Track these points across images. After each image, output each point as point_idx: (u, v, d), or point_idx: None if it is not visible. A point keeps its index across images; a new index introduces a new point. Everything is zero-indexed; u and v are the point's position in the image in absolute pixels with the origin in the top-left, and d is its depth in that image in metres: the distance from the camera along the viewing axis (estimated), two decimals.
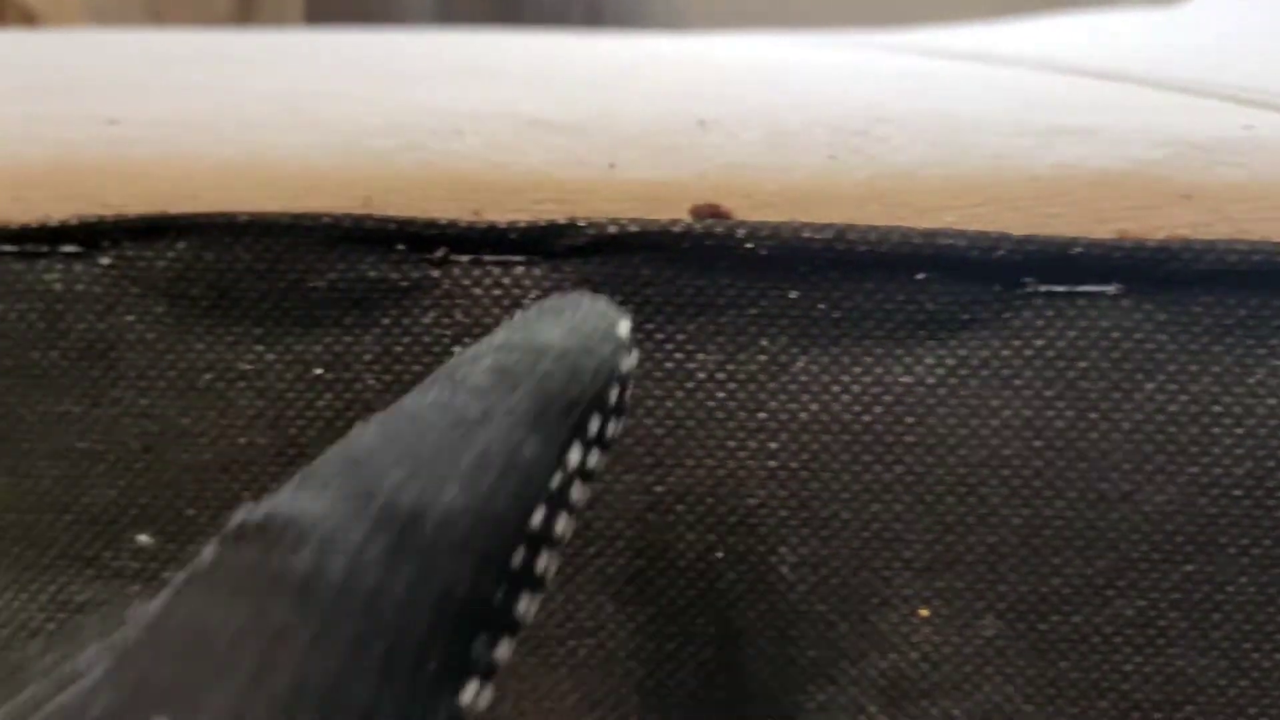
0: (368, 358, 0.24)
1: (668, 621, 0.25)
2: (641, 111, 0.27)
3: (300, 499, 0.14)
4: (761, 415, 0.23)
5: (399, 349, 0.24)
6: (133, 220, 0.23)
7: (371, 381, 0.24)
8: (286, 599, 0.12)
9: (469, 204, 0.23)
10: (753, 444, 0.24)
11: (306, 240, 0.23)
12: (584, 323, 0.18)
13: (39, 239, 0.23)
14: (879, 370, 0.23)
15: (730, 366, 0.23)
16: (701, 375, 0.23)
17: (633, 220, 0.23)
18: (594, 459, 0.17)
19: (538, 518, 0.15)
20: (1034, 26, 0.56)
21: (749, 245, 0.22)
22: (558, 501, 0.16)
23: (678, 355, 0.23)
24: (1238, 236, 0.22)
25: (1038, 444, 0.23)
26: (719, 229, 0.22)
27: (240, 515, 0.14)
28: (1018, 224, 0.22)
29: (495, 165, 0.24)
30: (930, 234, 0.22)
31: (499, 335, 0.18)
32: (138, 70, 0.33)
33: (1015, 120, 0.26)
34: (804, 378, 0.23)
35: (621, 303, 0.23)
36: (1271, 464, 0.22)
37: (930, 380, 0.23)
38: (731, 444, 0.24)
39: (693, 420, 0.24)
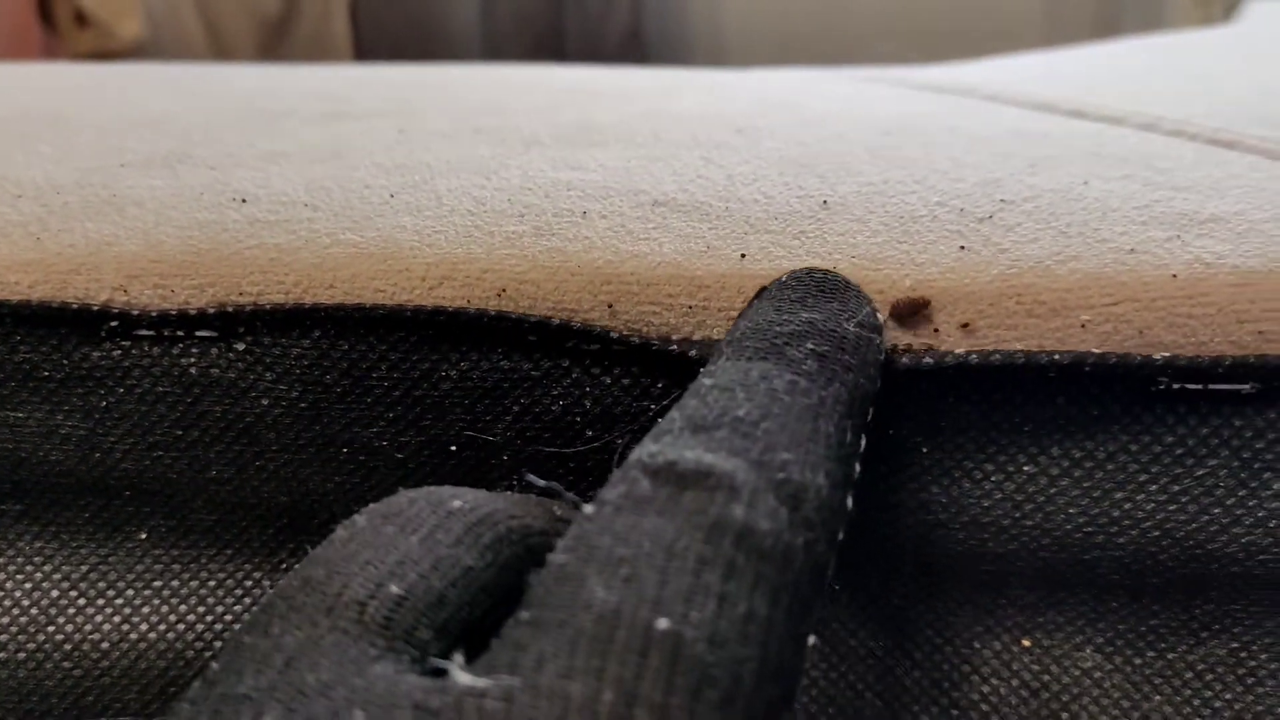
0: (498, 440, 0.24)
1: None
2: (764, 191, 0.27)
3: (711, 455, 0.16)
4: (900, 495, 0.24)
5: (530, 433, 0.24)
6: (268, 310, 0.24)
7: (506, 458, 0.24)
8: (729, 542, 0.15)
9: (602, 296, 0.23)
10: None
11: (439, 333, 0.23)
12: (858, 308, 0.22)
13: (176, 325, 0.24)
14: (1003, 459, 0.23)
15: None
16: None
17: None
18: (864, 442, 0.19)
19: (849, 501, 0.18)
20: (1105, 59, 0.55)
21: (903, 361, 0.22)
22: (854, 485, 0.18)
23: None
24: None
25: (1155, 534, 0.23)
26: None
27: (652, 456, 0.16)
28: (1155, 323, 0.22)
29: (627, 255, 0.24)
30: (1072, 358, 0.22)
31: (790, 313, 0.21)
32: (249, 129, 0.33)
33: (1142, 206, 0.25)
34: (928, 463, 0.23)
35: None
36: None
37: (1054, 471, 0.23)
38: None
39: None
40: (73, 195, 0.27)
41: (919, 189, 0.27)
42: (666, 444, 0.17)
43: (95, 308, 0.24)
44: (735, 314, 0.23)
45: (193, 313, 0.24)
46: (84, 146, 0.31)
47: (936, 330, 0.23)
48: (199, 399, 0.24)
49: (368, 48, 1.81)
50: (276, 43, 1.73)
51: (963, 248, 0.24)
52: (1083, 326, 0.22)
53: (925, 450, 0.23)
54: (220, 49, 1.64)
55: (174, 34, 1.58)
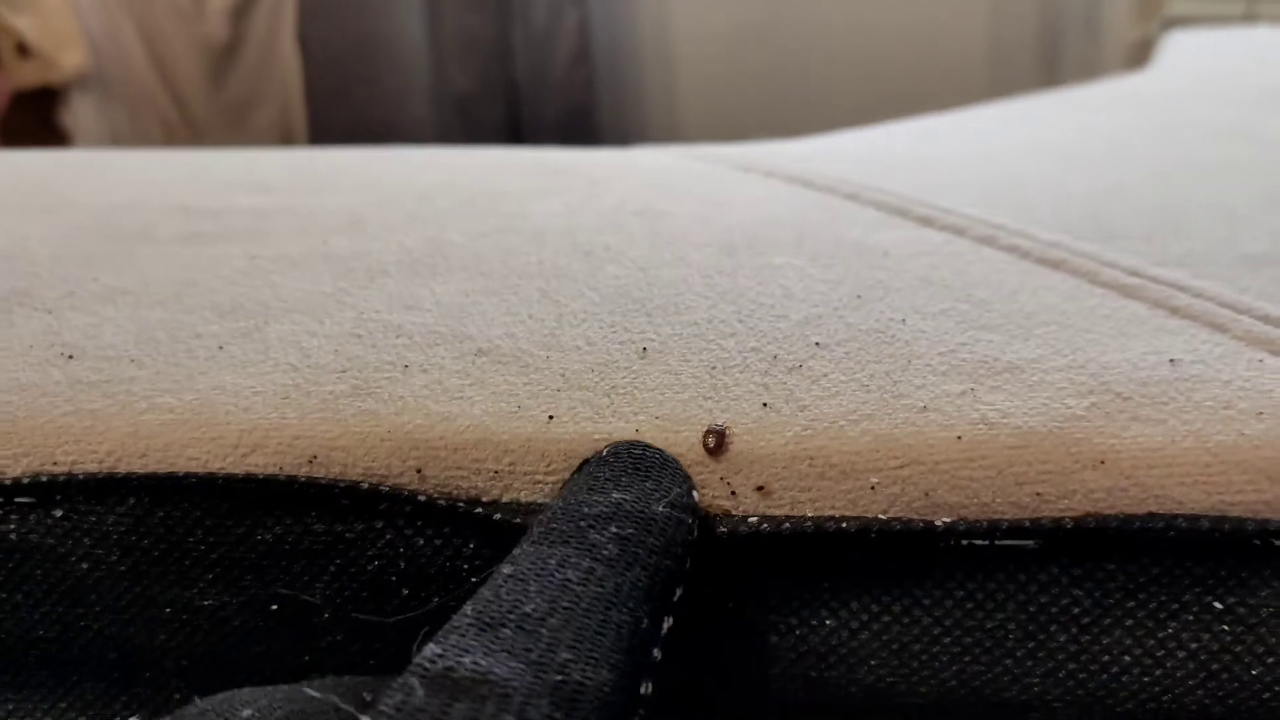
0: (319, 600, 0.24)
1: None
2: (587, 336, 0.27)
3: (489, 659, 0.17)
4: (714, 651, 0.24)
5: (349, 592, 0.24)
6: (83, 480, 0.24)
7: (327, 617, 0.25)
8: None
9: (411, 461, 0.24)
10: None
11: (253, 500, 0.24)
12: (671, 487, 0.22)
13: None
14: (805, 613, 0.24)
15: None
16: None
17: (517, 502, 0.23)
18: (669, 624, 0.20)
19: (646, 687, 0.18)
20: (982, 134, 0.57)
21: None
22: (655, 670, 0.19)
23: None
24: (1149, 501, 0.22)
25: (953, 683, 0.24)
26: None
27: (433, 660, 0.17)
28: (940, 485, 0.23)
29: (438, 418, 0.24)
30: (859, 525, 0.22)
31: (601, 493, 0.22)
32: (97, 259, 0.33)
33: (947, 351, 0.26)
34: (736, 620, 0.24)
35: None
36: (1175, 709, 0.23)
37: (854, 625, 0.24)
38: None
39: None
40: None
41: (739, 330, 0.28)
42: (449, 646, 0.18)
43: None
44: (540, 478, 0.24)
45: (8, 482, 0.24)
46: None
47: (734, 493, 0.23)
48: (20, 563, 0.24)
49: (315, 71, 1.81)
50: (223, 70, 1.72)
51: (765, 405, 0.25)
52: (872, 489, 0.23)
53: (731, 606, 0.24)
54: (165, 78, 1.63)
55: (117, 63, 1.57)
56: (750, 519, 0.23)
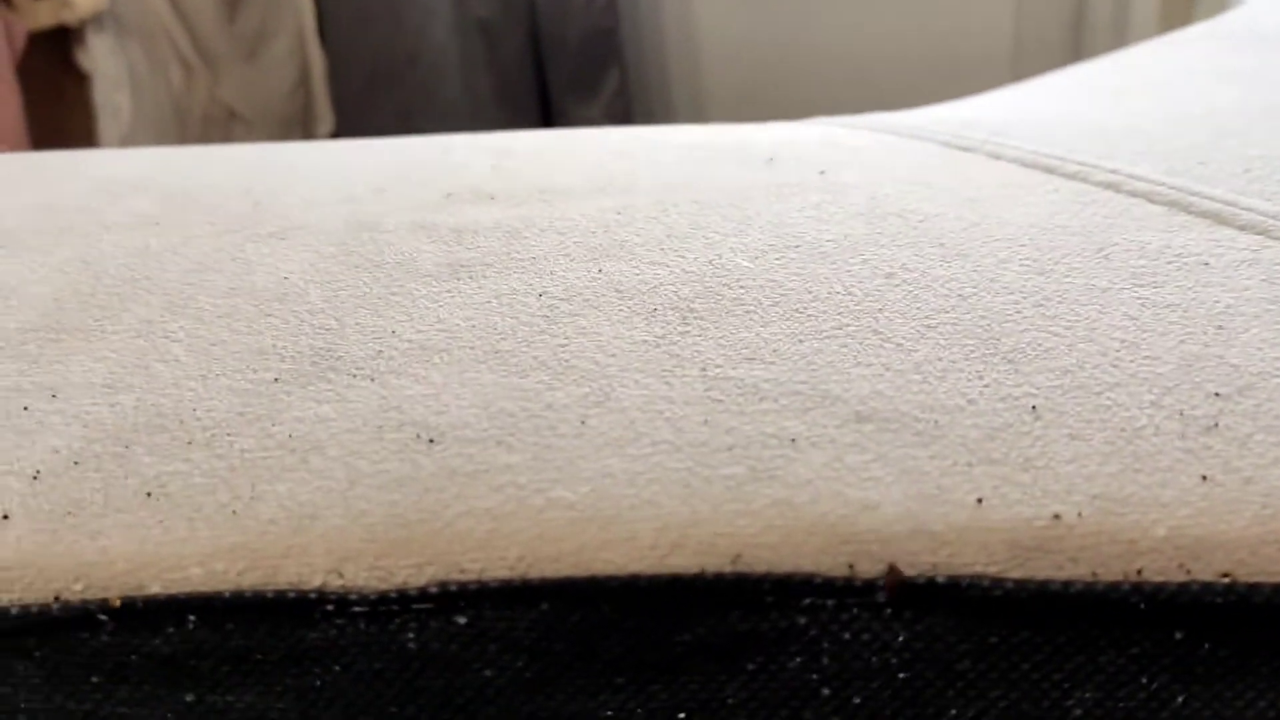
0: (732, 701, 0.23)
1: None
2: (959, 390, 0.26)
3: None
4: None
5: (766, 693, 0.23)
6: (495, 588, 0.23)
7: None
8: None
9: (842, 557, 0.23)
10: None
11: (676, 600, 0.23)
12: None
13: (394, 602, 0.23)
14: (1263, 704, 0.23)
15: (1109, 702, 0.23)
16: (1078, 711, 0.23)
17: (1019, 584, 0.22)
18: None
19: None
20: (1169, 103, 0.54)
21: (1138, 604, 0.22)
22: None
23: (1053, 694, 0.23)
24: None
25: None
26: (1109, 593, 0.22)
27: None
28: None
29: (859, 507, 0.23)
30: None
31: None
32: (374, 300, 0.32)
33: None
34: (1185, 712, 0.23)
35: (994, 643, 0.23)
36: None
37: None
38: None
39: None
40: (244, 438, 0.26)
41: (1122, 379, 0.26)
42: None
43: (312, 595, 0.23)
44: (981, 569, 0.23)
45: (413, 593, 0.23)
46: (220, 346, 0.29)
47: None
48: (418, 673, 0.23)
49: (334, 2, 1.78)
50: (236, 9, 1.69)
51: (1205, 478, 0.23)
52: None
53: (1180, 700, 0.23)
54: (179, 12, 1.60)
55: (134, 3, 1.53)
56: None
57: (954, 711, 0.23)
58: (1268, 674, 0.22)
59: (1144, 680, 0.23)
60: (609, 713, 0.23)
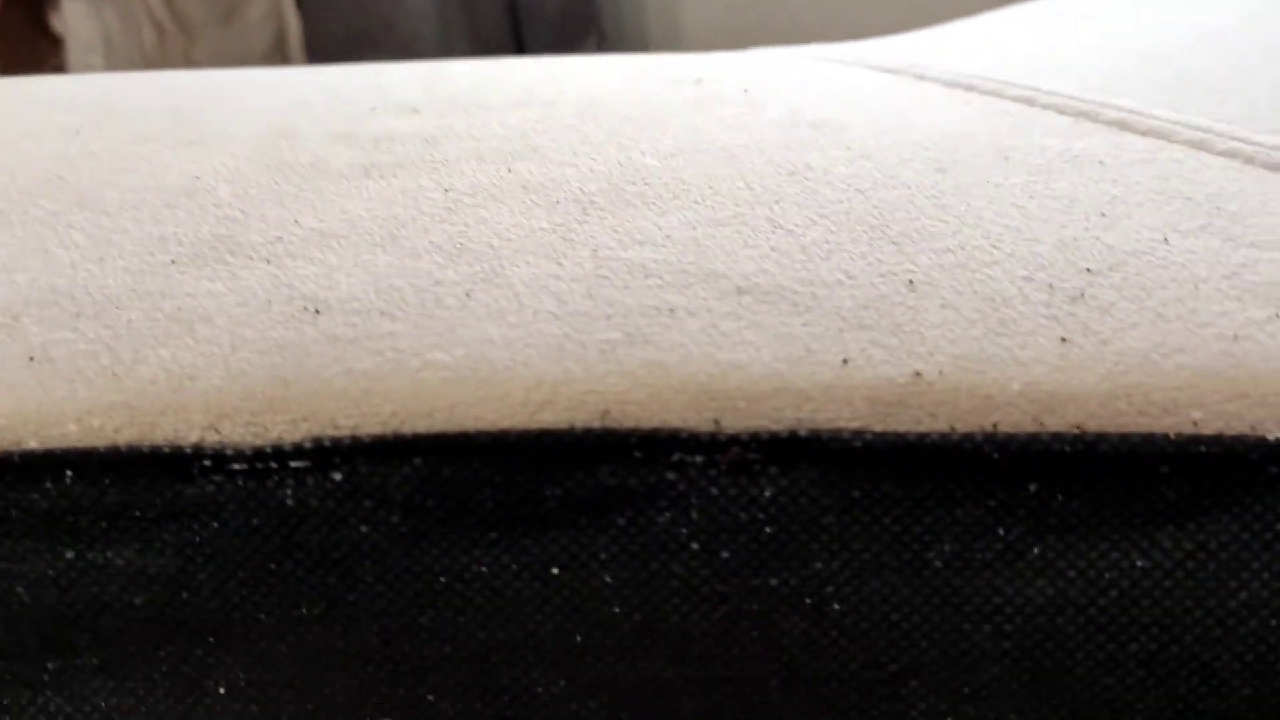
0: (604, 556, 0.24)
1: None
2: (841, 268, 0.26)
3: None
4: (996, 599, 0.24)
5: (635, 547, 0.24)
6: (368, 442, 0.23)
7: (609, 579, 0.24)
8: None
9: (708, 412, 0.23)
10: (987, 626, 0.24)
11: (545, 454, 0.23)
12: None
13: (270, 458, 0.23)
14: (1115, 555, 0.23)
15: (966, 554, 0.23)
16: (938, 563, 0.24)
17: (878, 435, 0.23)
18: None
19: None
20: (1107, 24, 0.55)
21: (992, 454, 0.22)
22: None
23: (914, 545, 0.23)
24: None
25: (1274, 622, 0.23)
26: (964, 443, 0.22)
27: None
28: (1266, 418, 0.22)
29: (729, 367, 0.23)
30: (1183, 442, 0.22)
31: None
32: (285, 198, 0.32)
33: (1230, 275, 0.25)
34: (1039, 564, 0.23)
35: (857, 497, 0.23)
36: None
37: (1168, 564, 0.23)
38: (966, 626, 0.24)
39: (928, 605, 0.24)
40: (134, 310, 0.26)
41: (999, 257, 0.27)
42: None
43: (188, 450, 0.23)
44: (844, 424, 0.23)
45: (288, 448, 0.23)
46: (122, 236, 0.30)
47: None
48: (295, 528, 0.24)
49: None
50: None
51: (1064, 340, 0.24)
52: (1195, 425, 0.22)
53: (1035, 551, 0.23)
54: None
55: None
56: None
57: (819, 565, 0.24)
58: (1118, 525, 0.23)
59: (1000, 532, 0.23)
60: (483, 568, 0.24)
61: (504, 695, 0.25)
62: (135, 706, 0.26)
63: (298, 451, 0.23)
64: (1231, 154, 0.32)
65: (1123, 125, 0.35)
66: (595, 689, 0.25)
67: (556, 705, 0.25)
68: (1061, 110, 0.37)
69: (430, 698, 0.25)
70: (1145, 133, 0.35)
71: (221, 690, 0.25)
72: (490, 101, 0.41)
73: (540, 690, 0.25)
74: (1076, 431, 0.22)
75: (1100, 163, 0.32)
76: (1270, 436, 0.22)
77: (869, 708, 0.25)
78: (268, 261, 0.28)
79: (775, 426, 0.23)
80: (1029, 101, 0.39)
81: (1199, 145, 0.33)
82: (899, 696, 0.25)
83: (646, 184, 0.32)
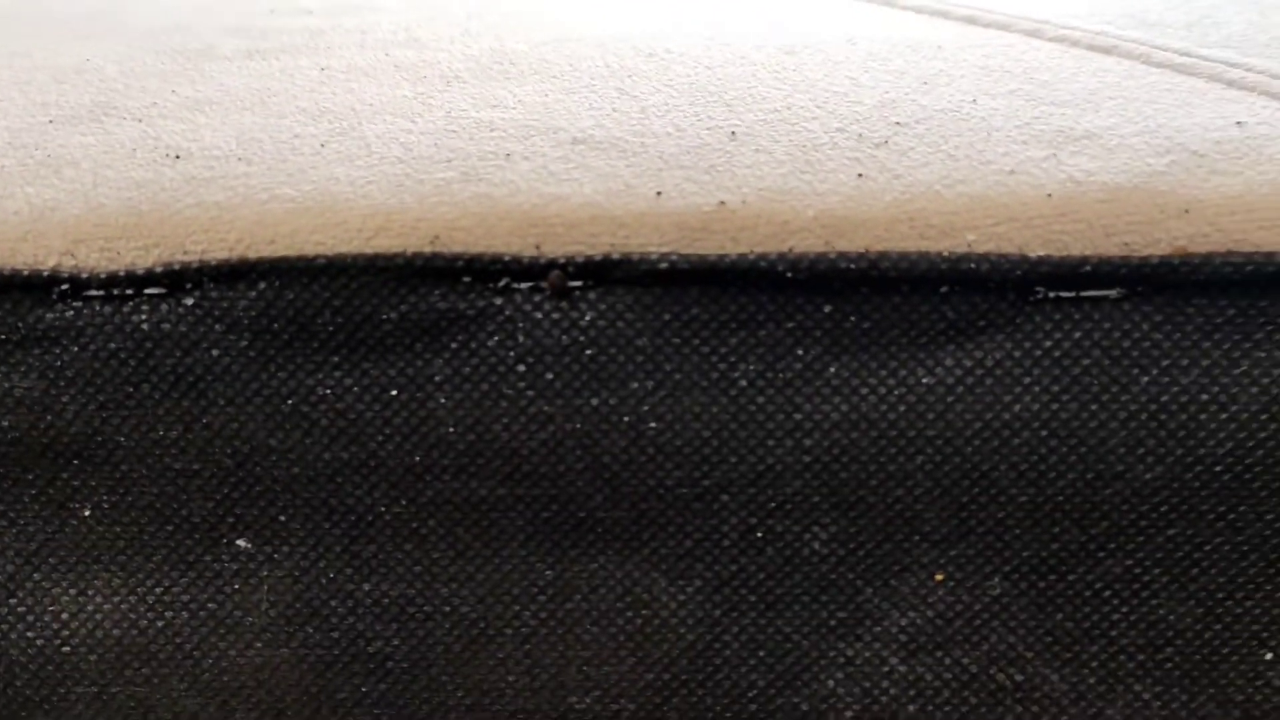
0: (438, 379, 0.26)
1: (714, 593, 0.28)
2: (673, 123, 0.28)
3: None
4: (797, 416, 0.26)
5: (467, 369, 0.26)
6: (215, 265, 0.25)
7: (443, 400, 0.26)
8: None
9: (530, 238, 0.25)
10: (789, 442, 0.26)
11: (380, 278, 0.25)
12: None
13: (125, 284, 0.25)
14: (904, 373, 0.25)
15: (769, 374, 0.26)
16: (743, 383, 0.26)
17: (682, 257, 0.25)
18: None
19: None
20: None
21: (787, 274, 0.25)
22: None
23: (721, 366, 0.26)
24: (1231, 246, 0.24)
25: (1044, 433, 0.26)
26: (760, 262, 0.24)
27: None
28: (1032, 240, 0.24)
29: (551, 198, 0.25)
30: (955, 259, 0.24)
31: None
32: (169, 75, 0.34)
33: (1023, 124, 0.27)
34: (835, 382, 0.26)
35: (668, 319, 0.25)
36: (1251, 444, 0.25)
37: (950, 380, 0.25)
38: (770, 442, 0.26)
39: (735, 423, 0.26)
40: (8, 158, 0.28)
41: (820, 114, 0.29)
42: None
43: (45, 273, 0.25)
44: (654, 249, 0.25)
45: (140, 272, 0.25)
46: (8, 103, 0.31)
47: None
48: (150, 352, 0.26)
49: None
50: None
51: (860, 175, 0.26)
52: (969, 246, 0.25)
53: (832, 370, 0.25)
54: None
55: None
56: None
57: (635, 385, 0.26)
58: (905, 344, 0.25)
59: (800, 352, 0.25)
60: (327, 391, 0.26)
61: (350, 515, 0.27)
62: (7, 529, 0.27)
63: (150, 276, 0.25)
64: (1060, 39, 0.35)
65: (970, 20, 0.37)
66: (433, 508, 0.27)
67: (398, 524, 0.27)
68: (919, 10, 0.40)
69: (282, 518, 0.27)
70: (988, 25, 0.37)
71: (86, 513, 0.27)
72: (384, 5, 0.43)
73: (383, 510, 0.27)
74: (863, 250, 0.25)
75: (938, 47, 0.34)
76: (1032, 255, 0.24)
77: (684, 522, 0.27)
78: (139, 120, 0.30)
79: (591, 251, 0.25)
80: (890, 3, 0.41)
81: (1033, 33, 0.35)
82: (712, 511, 0.27)
83: (512, 64, 0.34)
